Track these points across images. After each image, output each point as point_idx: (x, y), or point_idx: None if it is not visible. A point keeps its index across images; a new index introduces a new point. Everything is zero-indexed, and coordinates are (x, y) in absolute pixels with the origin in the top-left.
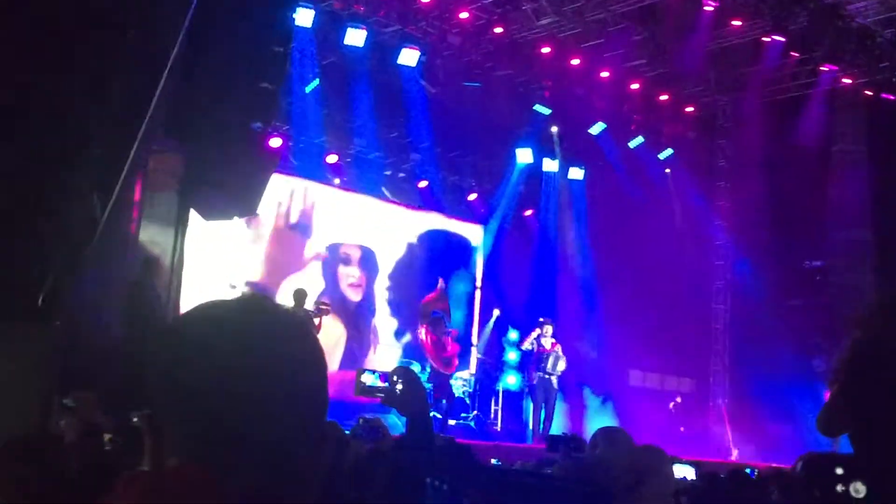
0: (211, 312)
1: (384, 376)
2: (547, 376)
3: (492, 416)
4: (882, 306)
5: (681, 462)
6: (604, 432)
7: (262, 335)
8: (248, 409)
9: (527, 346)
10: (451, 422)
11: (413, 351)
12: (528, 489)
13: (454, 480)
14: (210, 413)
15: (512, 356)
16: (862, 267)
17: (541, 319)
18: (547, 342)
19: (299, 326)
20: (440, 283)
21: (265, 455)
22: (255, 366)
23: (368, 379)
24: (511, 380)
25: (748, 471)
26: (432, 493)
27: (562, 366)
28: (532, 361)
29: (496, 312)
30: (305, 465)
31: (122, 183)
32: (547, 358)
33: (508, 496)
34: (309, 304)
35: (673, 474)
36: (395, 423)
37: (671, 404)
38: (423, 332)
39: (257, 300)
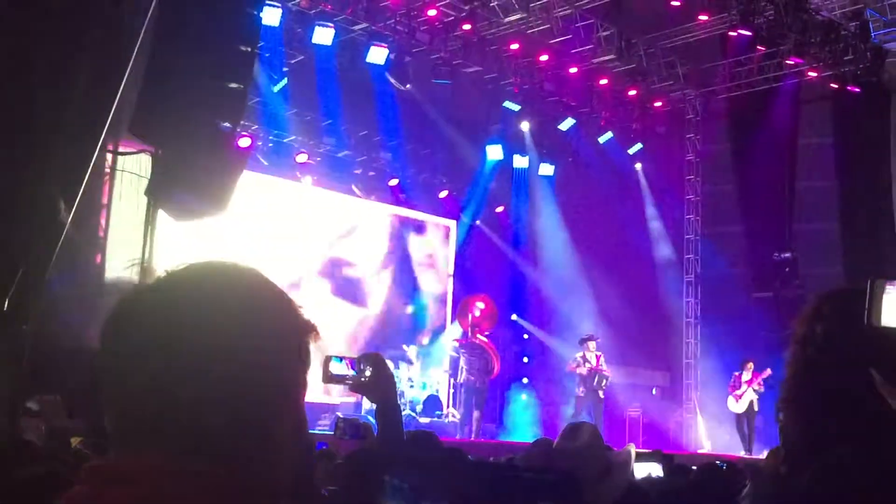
0: (176, 279)
1: (352, 363)
2: (593, 391)
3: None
4: (826, 305)
5: (648, 456)
6: (572, 426)
7: (227, 301)
8: (209, 394)
9: (580, 370)
10: (424, 419)
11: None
12: (496, 481)
13: (417, 478)
14: (170, 394)
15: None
16: (830, 258)
17: (583, 337)
18: (592, 357)
19: (272, 293)
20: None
21: (223, 441)
22: (223, 340)
23: (335, 367)
24: None
25: (718, 463)
26: (391, 493)
27: (606, 384)
28: (582, 380)
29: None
30: (272, 457)
31: (90, 185)
32: (595, 376)
33: (474, 490)
34: None
35: (634, 470)
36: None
37: (653, 390)
38: (484, 339)
39: (222, 265)
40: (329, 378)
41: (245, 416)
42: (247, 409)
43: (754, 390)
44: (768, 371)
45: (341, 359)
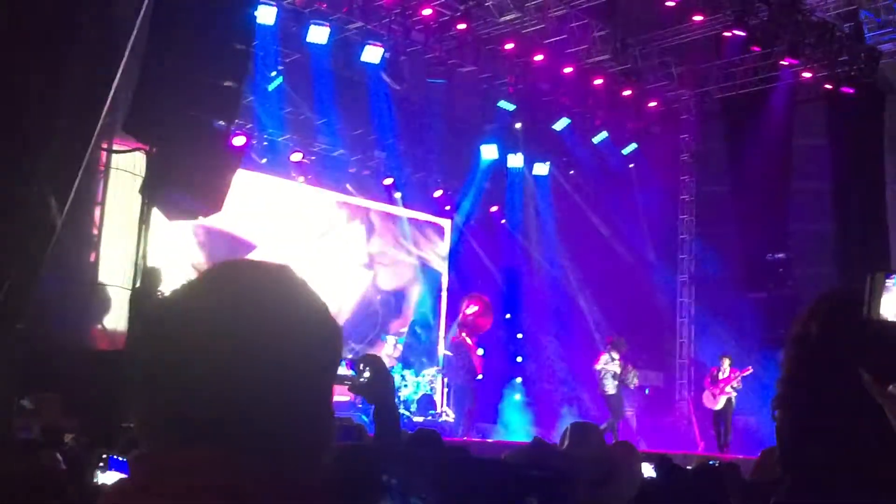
0: (207, 280)
1: (351, 364)
2: (621, 388)
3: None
4: (821, 306)
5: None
6: (575, 427)
7: (268, 299)
8: (250, 391)
9: (611, 367)
10: (419, 418)
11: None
12: (485, 476)
13: (410, 476)
14: (212, 391)
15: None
16: (824, 259)
17: (611, 338)
18: (617, 357)
19: (306, 290)
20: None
21: (270, 437)
22: (263, 338)
23: None
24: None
25: (712, 462)
26: (386, 490)
27: (637, 381)
28: (612, 377)
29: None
30: (311, 450)
31: (84, 183)
32: (628, 373)
33: (463, 485)
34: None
35: (641, 471)
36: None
37: (646, 390)
38: (468, 339)
39: (258, 264)
40: None
41: (293, 412)
42: (295, 406)
43: (733, 387)
44: (749, 369)
45: (341, 360)
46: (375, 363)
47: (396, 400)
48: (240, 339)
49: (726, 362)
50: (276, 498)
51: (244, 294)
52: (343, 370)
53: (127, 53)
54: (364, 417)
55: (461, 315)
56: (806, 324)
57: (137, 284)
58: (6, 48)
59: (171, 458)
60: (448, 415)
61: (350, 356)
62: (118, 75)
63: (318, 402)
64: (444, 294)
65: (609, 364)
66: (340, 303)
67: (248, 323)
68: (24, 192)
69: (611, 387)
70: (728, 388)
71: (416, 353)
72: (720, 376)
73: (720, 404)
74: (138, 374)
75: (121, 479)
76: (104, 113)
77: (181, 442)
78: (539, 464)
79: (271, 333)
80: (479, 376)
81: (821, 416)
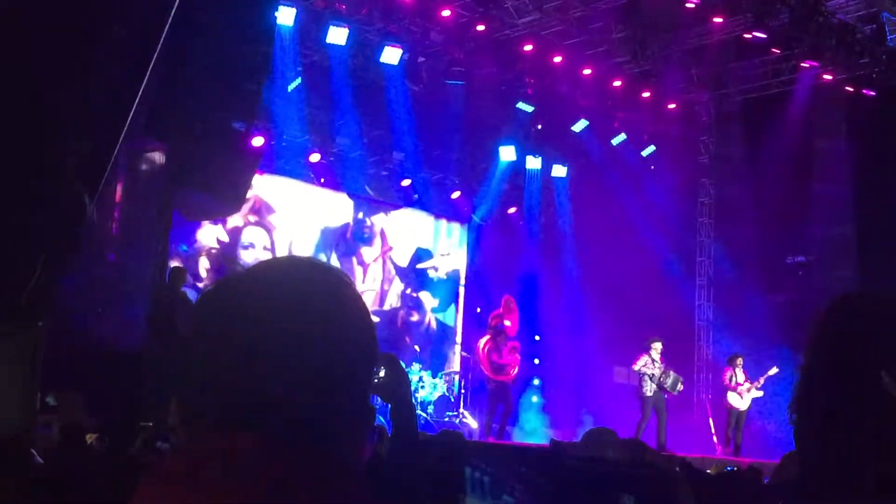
0: (262, 271)
1: None
2: (661, 391)
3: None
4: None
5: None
6: (594, 434)
7: (319, 295)
8: (295, 385)
9: (650, 370)
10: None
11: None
12: (581, 477)
13: (498, 471)
14: (255, 380)
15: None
16: (844, 262)
17: (650, 339)
18: (658, 357)
19: (353, 290)
20: (505, 297)
21: (311, 430)
22: (309, 329)
23: None
24: None
25: (729, 468)
26: (472, 486)
27: (680, 387)
28: (651, 380)
29: (478, 310)
30: (351, 445)
31: (105, 184)
32: (667, 377)
33: (556, 485)
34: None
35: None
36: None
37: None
38: (482, 341)
39: (310, 260)
40: None
41: (333, 405)
42: (334, 400)
43: (757, 388)
44: (774, 369)
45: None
46: (392, 362)
47: (413, 400)
48: (292, 332)
49: (739, 361)
50: (313, 486)
51: (300, 289)
52: None
53: (156, 53)
54: (381, 419)
55: (490, 319)
56: (823, 328)
57: (158, 283)
58: (42, 45)
59: (210, 444)
60: (466, 416)
61: None
62: (146, 76)
63: (360, 400)
64: (462, 296)
65: (648, 366)
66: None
67: (302, 318)
68: (55, 186)
69: (648, 389)
70: (754, 390)
71: (434, 354)
72: (738, 376)
73: (746, 404)
74: (191, 354)
75: (160, 466)
76: (132, 113)
77: (224, 428)
78: (638, 462)
79: (323, 331)
80: (509, 378)
81: (838, 420)
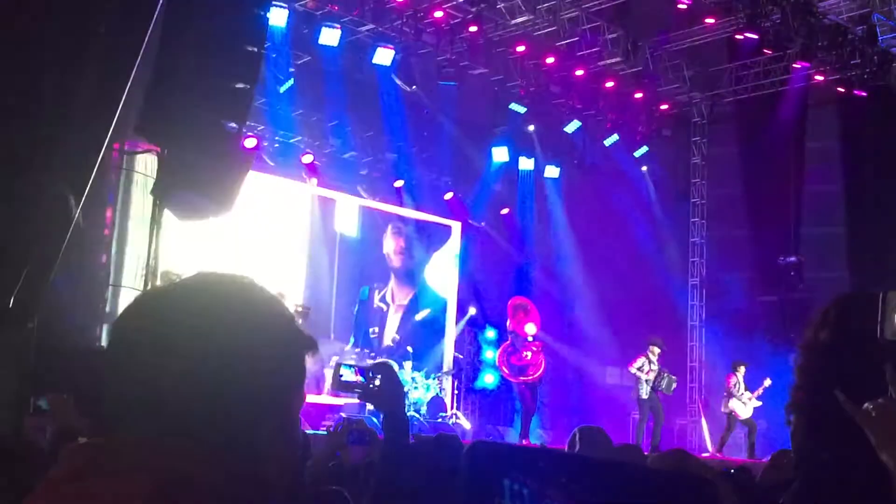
0: (181, 286)
1: (361, 371)
2: (656, 393)
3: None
4: (832, 311)
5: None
6: (582, 432)
7: (238, 311)
8: (206, 400)
9: (644, 373)
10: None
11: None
12: (622, 483)
13: (537, 481)
14: (173, 394)
15: (489, 354)
16: (836, 262)
17: (649, 339)
18: (655, 359)
19: (278, 306)
20: (510, 302)
21: (219, 451)
22: (223, 348)
23: (346, 374)
24: (489, 378)
25: (726, 470)
26: (510, 496)
27: (674, 387)
28: (647, 382)
29: (471, 311)
30: (274, 462)
31: (96, 184)
32: (663, 378)
33: (600, 492)
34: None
35: None
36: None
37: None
38: (499, 349)
39: (234, 277)
40: (339, 385)
41: (233, 416)
42: (234, 410)
43: (756, 398)
44: (768, 381)
45: (352, 367)
46: (386, 371)
47: (406, 405)
48: (190, 343)
49: (742, 369)
50: (209, 482)
51: (213, 304)
52: (353, 377)
53: (141, 53)
54: (375, 420)
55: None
56: (817, 330)
57: (150, 286)
58: (23, 45)
59: (105, 443)
60: (459, 417)
61: (364, 362)
62: (132, 74)
63: (262, 409)
64: (454, 297)
65: (643, 368)
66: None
67: (213, 328)
68: (40, 188)
69: (644, 391)
70: (755, 399)
71: (427, 355)
72: (742, 384)
73: (749, 412)
74: (108, 362)
75: (54, 468)
76: (118, 111)
77: (122, 431)
78: (684, 471)
79: (224, 341)
80: (531, 379)
81: (834, 422)
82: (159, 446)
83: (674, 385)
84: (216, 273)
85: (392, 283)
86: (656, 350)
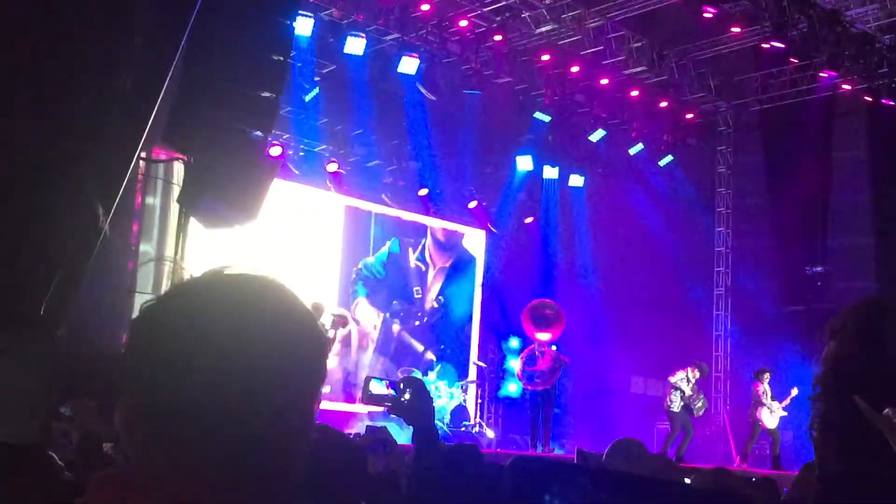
0: (203, 287)
1: (392, 384)
2: (688, 409)
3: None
4: (855, 316)
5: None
6: (621, 445)
7: (257, 316)
8: (230, 402)
9: (685, 386)
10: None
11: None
12: (660, 501)
13: (575, 497)
14: (186, 403)
15: (513, 364)
16: (863, 273)
17: (697, 361)
18: (694, 379)
19: (301, 309)
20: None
21: (243, 453)
22: (247, 351)
23: (376, 387)
24: (512, 388)
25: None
26: None
27: (703, 410)
28: (682, 396)
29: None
30: (284, 468)
31: (124, 193)
32: (697, 400)
33: None
34: (325, 318)
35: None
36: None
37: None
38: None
39: (254, 277)
40: (369, 398)
41: (261, 428)
42: (263, 422)
43: (783, 409)
44: (795, 390)
45: (382, 380)
46: (417, 385)
47: (436, 422)
48: (212, 351)
49: (766, 376)
50: None
51: (241, 307)
52: (384, 390)
53: (174, 63)
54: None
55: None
56: (838, 341)
57: None
58: (57, 57)
59: (133, 474)
60: (483, 426)
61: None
62: (164, 87)
63: (292, 420)
64: (478, 305)
65: (682, 382)
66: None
67: (228, 333)
68: (72, 196)
69: (676, 405)
70: (781, 409)
71: (451, 364)
72: (769, 391)
73: (776, 422)
74: (123, 368)
75: (82, 498)
76: (149, 124)
77: (150, 449)
78: (722, 489)
79: (252, 345)
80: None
81: (858, 435)
82: (183, 479)
83: (703, 409)
84: (231, 273)
85: (429, 242)
86: (698, 374)
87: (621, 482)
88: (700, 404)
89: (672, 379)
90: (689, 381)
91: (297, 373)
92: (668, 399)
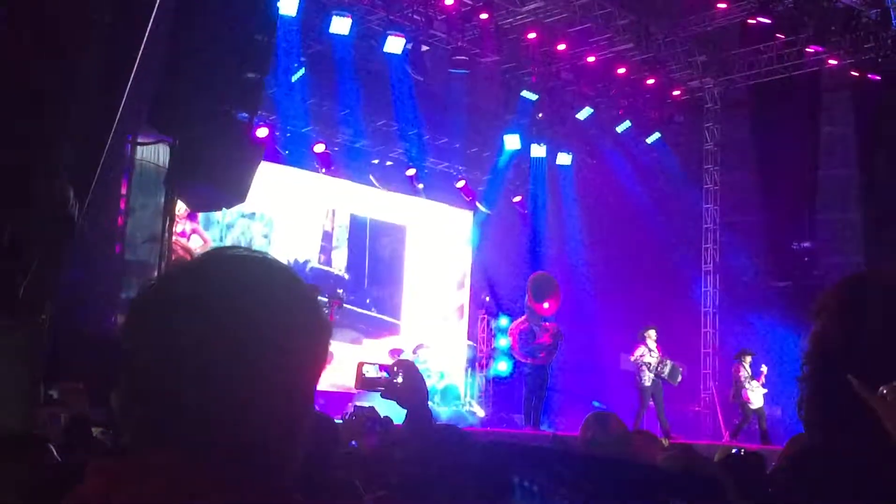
0: (205, 267)
1: (385, 368)
2: (658, 380)
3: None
4: (842, 294)
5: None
6: (596, 417)
7: (262, 297)
8: (232, 385)
9: (647, 359)
10: (443, 409)
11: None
12: (631, 482)
13: (546, 480)
14: (182, 387)
15: (503, 342)
16: (850, 248)
17: (644, 328)
18: (654, 346)
19: (304, 289)
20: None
21: (241, 440)
22: (252, 334)
23: (369, 371)
24: (502, 366)
25: (735, 451)
26: (521, 496)
27: (679, 378)
28: (648, 369)
29: (486, 298)
30: (284, 455)
31: (108, 176)
32: (664, 366)
33: (606, 488)
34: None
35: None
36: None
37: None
38: (514, 322)
39: (257, 257)
40: (362, 383)
41: (265, 413)
42: (267, 407)
43: (762, 385)
44: (764, 367)
45: (374, 364)
46: (410, 369)
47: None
48: (223, 332)
49: (748, 358)
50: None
51: (243, 289)
52: (377, 374)
53: (143, 44)
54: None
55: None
56: (822, 320)
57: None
58: (19, 38)
59: (129, 463)
60: (473, 405)
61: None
62: (135, 66)
63: (295, 405)
64: (468, 285)
65: (645, 356)
66: None
67: (231, 315)
68: (43, 184)
69: (646, 379)
70: (761, 387)
71: (440, 343)
72: (750, 371)
73: (760, 402)
74: (121, 363)
75: (79, 487)
76: (122, 105)
77: (144, 440)
78: (690, 471)
79: (257, 328)
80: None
81: (848, 414)
82: (181, 467)
83: (679, 376)
84: (232, 250)
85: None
86: (653, 335)
87: (591, 464)
88: (669, 369)
89: (633, 358)
90: (650, 350)
91: (302, 355)
92: (637, 376)
